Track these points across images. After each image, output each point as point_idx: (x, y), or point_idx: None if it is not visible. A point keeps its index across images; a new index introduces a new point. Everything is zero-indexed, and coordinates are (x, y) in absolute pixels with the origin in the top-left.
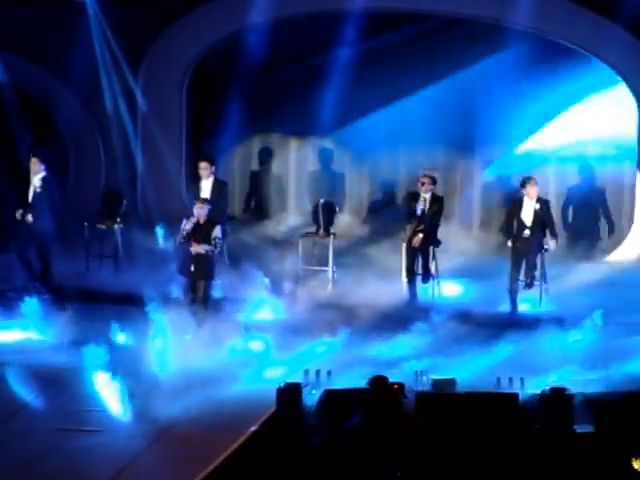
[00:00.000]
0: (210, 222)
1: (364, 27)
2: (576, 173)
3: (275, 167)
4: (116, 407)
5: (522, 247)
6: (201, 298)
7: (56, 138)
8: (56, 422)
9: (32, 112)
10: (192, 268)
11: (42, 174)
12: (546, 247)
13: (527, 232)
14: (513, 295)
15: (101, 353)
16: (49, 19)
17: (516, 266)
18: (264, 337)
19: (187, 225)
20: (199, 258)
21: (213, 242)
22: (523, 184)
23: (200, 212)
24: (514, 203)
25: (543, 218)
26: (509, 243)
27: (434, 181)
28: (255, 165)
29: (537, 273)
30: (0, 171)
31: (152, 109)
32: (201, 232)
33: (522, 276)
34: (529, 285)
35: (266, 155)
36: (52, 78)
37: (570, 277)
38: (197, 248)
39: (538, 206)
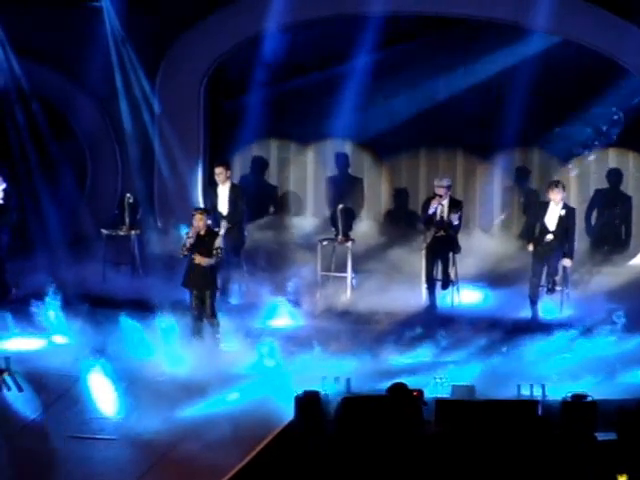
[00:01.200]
0: (211, 232)
1: (383, 32)
2: (600, 176)
3: (293, 172)
4: (130, 415)
5: (543, 251)
6: (209, 308)
7: (73, 143)
8: (69, 430)
9: (49, 117)
10: (197, 279)
11: (2, 185)
12: (563, 264)
13: (550, 236)
14: (534, 301)
15: (114, 362)
16: (66, 25)
17: (537, 271)
18: (281, 345)
19: (189, 237)
20: (202, 269)
21: (215, 252)
22: (549, 188)
23: (200, 224)
24: (539, 206)
25: (567, 226)
26: (530, 247)
27: (449, 187)
28: (273, 170)
29: (558, 278)
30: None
31: (169, 114)
32: (203, 243)
33: (543, 281)
34: (550, 290)
35: (283, 160)
36: (69, 83)
37: (592, 281)
38: (200, 260)
39: (564, 212)
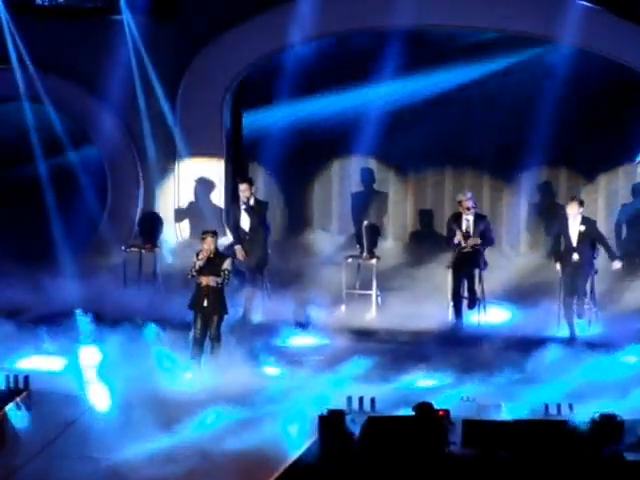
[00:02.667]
0: (220, 255)
1: (407, 47)
2: (628, 190)
3: (318, 187)
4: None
5: (570, 271)
6: (214, 334)
7: (94, 159)
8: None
9: (70, 132)
10: (205, 303)
11: None
12: (613, 268)
13: (575, 257)
14: (569, 321)
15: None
16: (87, 38)
17: (568, 292)
18: (304, 363)
19: (199, 259)
20: (211, 292)
21: (223, 274)
22: (567, 203)
23: (209, 247)
24: (559, 223)
25: (592, 238)
26: (558, 265)
27: (473, 200)
28: (299, 185)
29: (587, 299)
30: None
31: (190, 129)
32: (212, 266)
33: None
34: (579, 316)
35: (309, 174)
36: (90, 98)
37: (622, 299)
38: (206, 281)
39: (583, 228)
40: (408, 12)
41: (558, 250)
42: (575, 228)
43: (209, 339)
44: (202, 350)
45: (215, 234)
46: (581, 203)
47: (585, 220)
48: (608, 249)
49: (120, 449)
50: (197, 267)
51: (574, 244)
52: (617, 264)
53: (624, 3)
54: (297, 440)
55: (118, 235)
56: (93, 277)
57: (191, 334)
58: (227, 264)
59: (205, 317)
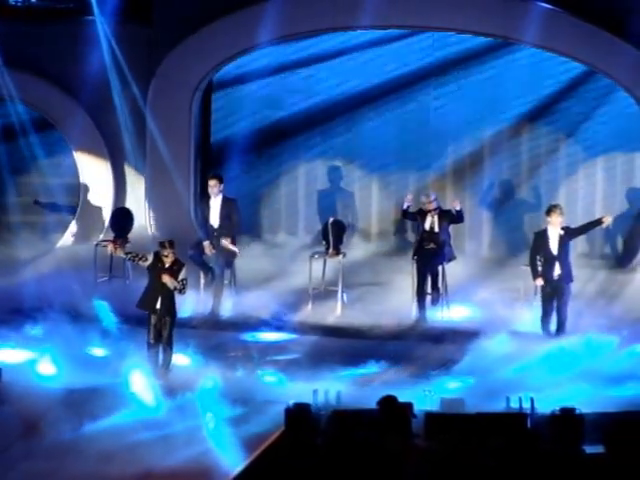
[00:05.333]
0: (178, 263)
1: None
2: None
3: (284, 186)
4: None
5: (552, 291)
6: (167, 336)
7: (65, 155)
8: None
9: (41, 129)
10: (157, 304)
11: None
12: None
13: (557, 272)
14: (546, 334)
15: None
16: (59, 38)
17: (547, 311)
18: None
19: (145, 260)
20: (166, 295)
21: (180, 284)
22: (548, 212)
23: (168, 259)
24: (537, 236)
25: (572, 237)
26: (539, 282)
27: (437, 200)
28: (264, 183)
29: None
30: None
31: (161, 127)
32: (170, 273)
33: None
34: (558, 333)
35: (275, 173)
36: (62, 96)
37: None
38: (167, 280)
39: (563, 232)
40: (374, 13)
41: (536, 270)
42: (556, 236)
43: (161, 344)
44: (158, 353)
45: (172, 244)
46: (562, 212)
47: (563, 227)
48: (589, 224)
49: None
50: (140, 262)
51: (555, 253)
52: (606, 219)
53: (582, 5)
54: (265, 433)
55: (89, 230)
56: (64, 271)
57: (146, 338)
58: (184, 273)
59: (158, 319)
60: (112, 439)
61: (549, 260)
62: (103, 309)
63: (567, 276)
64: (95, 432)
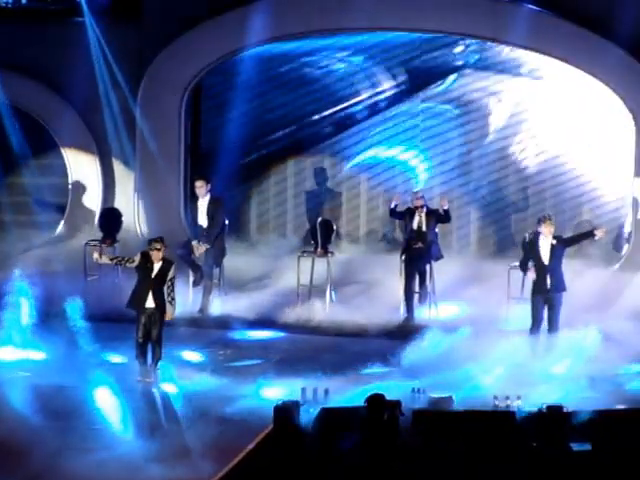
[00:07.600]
0: (167, 262)
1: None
2: None
3: (273, 185)
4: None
5: (543, 300)
6: (157, 335)
7: (55, 155)
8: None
9: (30, 129)
10: (147, 304)
11: None
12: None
13: (548, 282)
14: (534, 336)
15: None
16: (49, 39)
17: (537, 318)
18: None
19: (132, 262)
20: (157, 294)
21: (169, 283)
22: (539, 222)
23: (158, 254)
24: (529, 244)
25: (564, 247)
26: (531, 275)
27: (425, 200)
28: (255, 184)
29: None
30: None
31: (151, 128)
32: (159, 271)
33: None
34: (550, 332)
35: (265, 173)
36: (53, 97)
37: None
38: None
39: (555, 241)
40: (363, 14)
41: (526, 270)
42: (547, 245)
43: (150, 342)
44: (146, 351)
45: (161, 241)
46: (553, 222)
47: (555, 237)
48: (582, 236)
49: None
50: (128, 264)
51: (546, 261)
52: (599, 232)
53: (571, 7)
54: (254, 430)
55: (79, 229)
56: (53, 271)
57: (134, 336)
58: (172, 272)
59: (147, 317)
60: None
61: (540, 270)
62: (75, 309)
63: (559, 285)
64: None
